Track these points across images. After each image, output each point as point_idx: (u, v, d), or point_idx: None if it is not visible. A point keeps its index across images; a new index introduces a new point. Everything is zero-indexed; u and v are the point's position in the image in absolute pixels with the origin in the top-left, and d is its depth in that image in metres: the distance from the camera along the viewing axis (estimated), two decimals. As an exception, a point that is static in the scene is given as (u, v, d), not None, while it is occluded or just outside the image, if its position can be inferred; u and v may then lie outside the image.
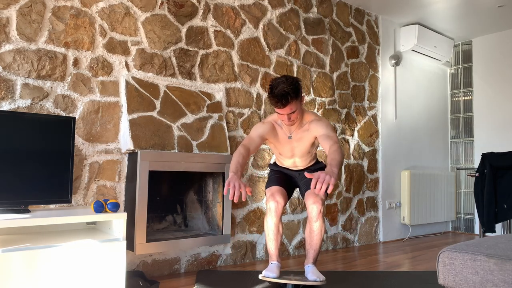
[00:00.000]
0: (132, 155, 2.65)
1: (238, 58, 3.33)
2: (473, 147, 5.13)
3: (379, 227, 4.39)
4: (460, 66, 5.30)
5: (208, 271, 2.96)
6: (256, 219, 3.31)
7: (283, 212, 2.65)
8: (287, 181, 2.65)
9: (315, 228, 2.45)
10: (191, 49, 3.07)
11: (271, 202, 2.46)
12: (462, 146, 5.25)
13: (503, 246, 1.65)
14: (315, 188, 1.94)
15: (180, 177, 3.16)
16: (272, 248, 2.54)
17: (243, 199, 2.07)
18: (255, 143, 2.44)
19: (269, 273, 2.41)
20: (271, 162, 3.29)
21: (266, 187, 2.60)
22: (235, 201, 2.07)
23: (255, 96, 3.41)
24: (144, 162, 2.59)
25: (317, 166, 2.70)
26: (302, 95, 2.40)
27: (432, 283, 2.73)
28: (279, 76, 3.57)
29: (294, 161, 2.64)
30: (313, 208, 2.39)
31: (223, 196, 2.97)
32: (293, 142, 2.52)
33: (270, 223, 2.49)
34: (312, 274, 2.42)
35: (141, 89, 2.77)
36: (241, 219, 3.27)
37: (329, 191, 1.94)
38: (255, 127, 2.52)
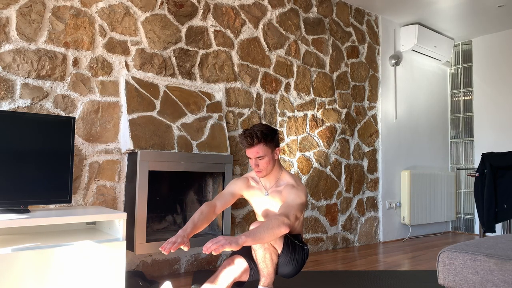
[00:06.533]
0: (132, 155, 2.65)
1: (238, 58, 3.32)
2: (473, 147, 5.12)
3: (379, 227, 4.39)
4: (460, 66, 5.30)
5: (205, 271, 2.96)
6: (255, 219, 3.31)
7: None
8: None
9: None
10: (191, 49, 3.06)
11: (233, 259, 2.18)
12: (462, 146, 5.24)
13: (503, 246, 1.65)
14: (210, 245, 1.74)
15: (180, 177, 3.15)
16: None
17: (173, 250, 1.87)
18: (224, 200, 2.27)
19: None
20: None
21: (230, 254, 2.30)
22: (165, 252, 1.86)
23: (255, 96, 3.41)
24: (144, 162, 2.58)
25: (290, 255, 2.16)
26: (276, 147, 2.23)
27: (432, 283, 2.73)
28: (279, 76, 3.59)
29: None
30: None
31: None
32: (270, 200, 2.28)
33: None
34: None
35: (141, 89, 2.77)
36: (241, 219, 3.27)
37: (215, 252, 1.74)
38: (230, 182, 2.36)
